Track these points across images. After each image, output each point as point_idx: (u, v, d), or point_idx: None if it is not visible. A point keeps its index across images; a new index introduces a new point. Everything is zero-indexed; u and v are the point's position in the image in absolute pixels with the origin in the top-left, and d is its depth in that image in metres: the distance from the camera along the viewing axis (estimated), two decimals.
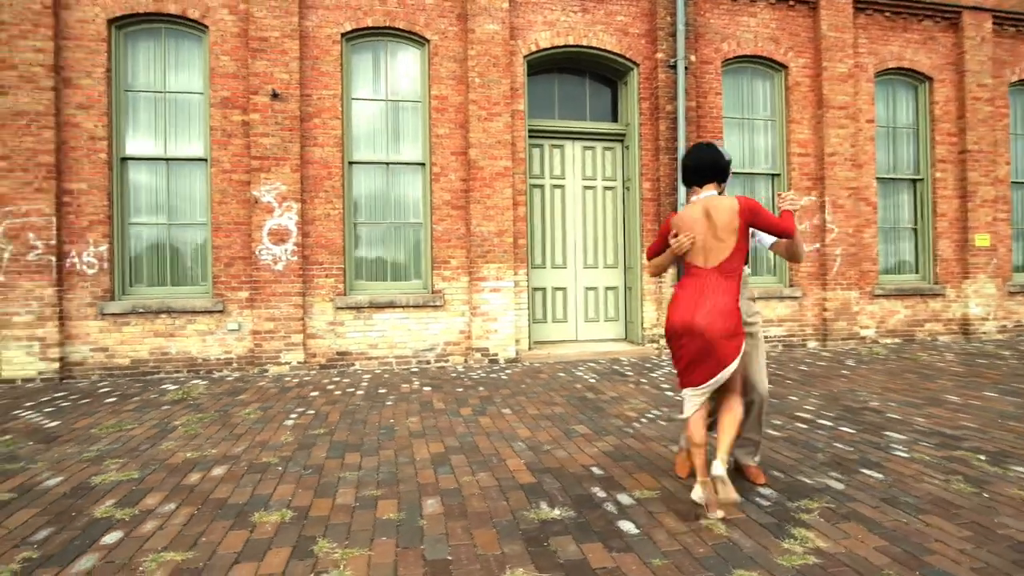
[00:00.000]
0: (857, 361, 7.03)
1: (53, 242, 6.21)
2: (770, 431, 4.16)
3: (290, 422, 4.55)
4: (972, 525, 2.63)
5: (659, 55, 7.58)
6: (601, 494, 3.06)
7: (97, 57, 6.39)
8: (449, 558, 2.40)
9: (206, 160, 6.72)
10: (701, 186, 3.01)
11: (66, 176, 6.32)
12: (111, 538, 2.60)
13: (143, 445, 3.98)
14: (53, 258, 6.21)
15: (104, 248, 6.41)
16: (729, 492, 2.62)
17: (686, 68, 7.56)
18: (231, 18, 6.66)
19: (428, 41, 7.16)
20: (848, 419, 4.46)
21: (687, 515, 2.77)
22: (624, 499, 2.99)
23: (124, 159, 6.60)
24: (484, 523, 2.72)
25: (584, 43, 7.51)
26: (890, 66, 8.44)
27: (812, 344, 8.16)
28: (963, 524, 2.64)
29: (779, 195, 2.97)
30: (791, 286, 8.15)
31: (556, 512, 2.83)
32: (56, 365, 6.22)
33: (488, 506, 2.92)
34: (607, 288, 8.07)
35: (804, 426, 4.30)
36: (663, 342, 7.59)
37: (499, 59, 7.12)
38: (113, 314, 6.40)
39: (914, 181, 8.78)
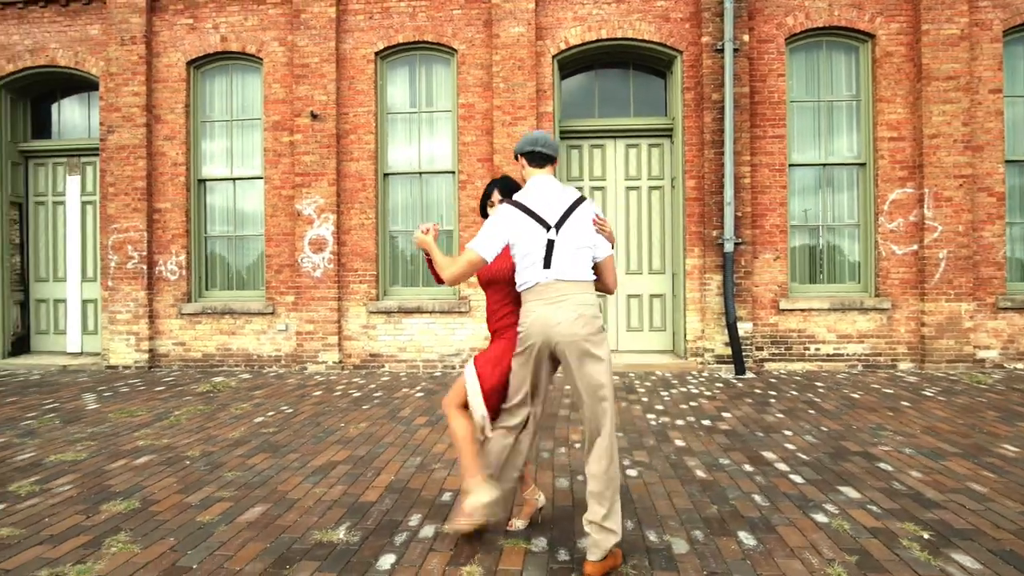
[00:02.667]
0: (943, 390, 5.68)
1: (145, 253, 7.45)
2: (699, 472, 3.60)
3: (260, 419, 4.97)
4: None
5: (705, 39, 6.83)
6: (413, 522, 2.93)
7: (179, 95, 7.52)
8: (194, 567, 2.51)
9: (262, 178, 7.56)
10: None
11: (155, 197, 7.54)
12: None
13: (125, 431, 4.65)
14: (145, 266, 7.45)
15: (183, 257, 7.53)
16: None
17: (736, 50, 6.72)
18: (280, 49, 7.40)
19: (456, 51, 7.26)
20: (818, 467, 3.68)
21: (464, 557, 2.56)
22: (427, 531, 2.83)
23: (200, 180, 7.68)
24: (268, 537, 2.77)
25: (619, 35, 7.05)
26: None
27: (904, 366, 6.75)
28: None
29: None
30: (878, 295, 6.83)
31: (343, 536, 2.78)
32: (147, 356, 7.45)
33: (296, 520, 2.96)
34: (652, 296, 7.49)
35: (750, 469, 3.64)
36: (708, 356, 6.85)
37: (524, 62, 6.98)
38: (189, 314, 7.49)
39: None
